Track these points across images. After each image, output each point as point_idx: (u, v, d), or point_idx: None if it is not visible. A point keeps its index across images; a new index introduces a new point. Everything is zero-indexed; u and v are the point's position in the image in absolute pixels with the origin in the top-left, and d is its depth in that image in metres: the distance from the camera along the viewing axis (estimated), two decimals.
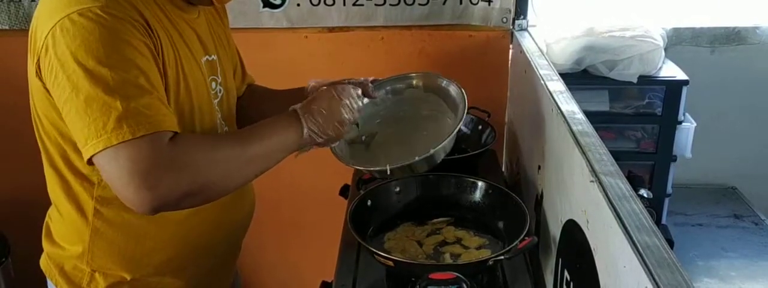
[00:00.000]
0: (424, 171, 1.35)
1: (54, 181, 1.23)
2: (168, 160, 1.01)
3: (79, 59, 1.00)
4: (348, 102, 1.23)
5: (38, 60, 1.07)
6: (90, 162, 1.03)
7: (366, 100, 1.32)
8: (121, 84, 1.01)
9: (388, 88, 1.44)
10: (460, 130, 1.34)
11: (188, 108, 1.18)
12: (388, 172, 1.29)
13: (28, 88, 1.18)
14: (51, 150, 1.20)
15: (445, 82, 1.43)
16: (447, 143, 1.31)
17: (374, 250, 1.31)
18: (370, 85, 1.34)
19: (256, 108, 1.47)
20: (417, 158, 1.29)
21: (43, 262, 1.33)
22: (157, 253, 1.28)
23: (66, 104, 1.03)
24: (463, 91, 1.38)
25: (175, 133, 1.04)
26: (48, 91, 1.09)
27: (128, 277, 1.26)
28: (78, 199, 1.22)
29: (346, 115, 1.22)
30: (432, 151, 1.28)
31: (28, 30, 1.14)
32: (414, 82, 1.46)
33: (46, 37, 1.03)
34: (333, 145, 1.30)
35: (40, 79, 1.09)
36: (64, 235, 1.28)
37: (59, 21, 1.02)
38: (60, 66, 1.02)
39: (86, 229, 1.23)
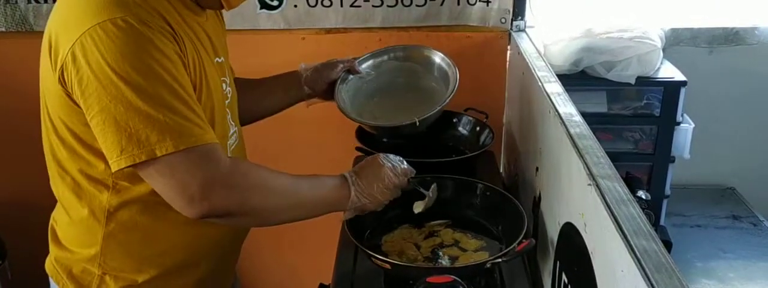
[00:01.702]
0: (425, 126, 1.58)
1: (64, 185, 1.23)
2: (224, 177, 1.07)
3: (115, 69, 1.01)
4: (390, 168, 1.31)
5: (63, 67, 1.06)
6: (120, 169, 1.05)
7: (352, 76, 1.62)
8: (160, 94, 1.02)
9: (374, 60, 1.68)
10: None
11: (210, 110, 1.20)
12: (417, 123, 1.53)
13: (40, 91, 1.18)
14: (63, 154, 1.19)
15: (425, 50, 1.68)
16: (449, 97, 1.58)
17: (371, 253, 1.31)
18: (355, 62, 1.61)
19: (249, 96, 1.49)
20: (437, 108, 1.57)
21: (49, 266, 1.33)
22: (169, 254, 1.28)
23: (100, 113, 1.03)
24: (448, 57, 1.65)
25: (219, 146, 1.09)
26: (72, 99, 1.09)
27: (139, 280, 1.27)
28: (91, 203, 1.22)
29: (391, 180, 1.30)
30: (446, 100, 1.56)
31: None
32: (397, 53, 1.71)
33: (74, 45, 1.03)
34: (342, 105, 1.58)
35: (64, 86, 1.08)
36: (74, 238, 1.28)
37: (89, 29, 1.02)
38: (93, 76, 1.02)
39: (99, 232, 1.23)
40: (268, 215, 1.18)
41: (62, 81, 1.08)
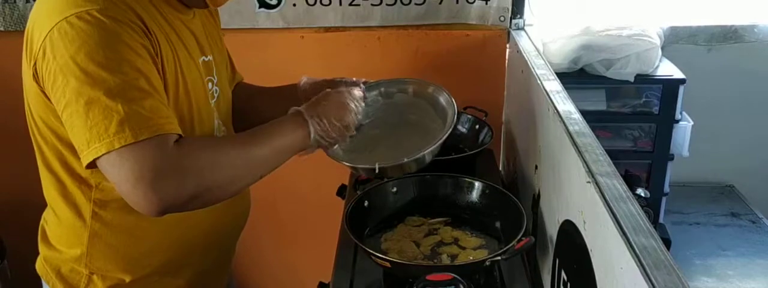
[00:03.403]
0: (412, 171, 1.37)
1: (50, 183, 1.23)
2: (173, 164, 1.02)
3: (78, 63, 1.00)
4: (353, 105, 1.25)
5: (35, 63, 1.06)
6: (91, 165, 1.03)
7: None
8: (122, 87, 1.00)
9: (380, 90, 1.44)
10: (453, 132, 1.36)
11: (187, 109, 1.18)
12: (377, 171, 1.30)
13: (24, 90, 1.17)
14: (47, 153, 1.19)
15: (434, 89, 1.44)
16: (436, 147, 1.33)
17: (371, 251, 1.31)
18: (362, 85, 1.38)
19: (248, 105, 1.47)
20: (405, 160, 1.31)
21: (39, 265, 1.33)
22: (155, 254, 1.28)
23: (66, 108, 1.02)
24: (452, 98, 1.40)
25: (180, 136, 1.05)
26: (45, 94, 1.08)
27: (127, 279, 1.26)
28: (75, 202, 1.22)
29: (351, 118, 1.24)
30: (424, 152, 1.30)
31: (22, 31, 1.13)
32: (405, 87, 1.47)
33: (44, 40, 1.03)
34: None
35: (38, 82, 1.08)
36: (61, 238, 1.28)
37: (57, 24, 1.02)
38: (59, 70, 1.01)
39: (84, 231, 1.23)
40: (233, 185, 1.11)
41: (36, 77, 1.08)
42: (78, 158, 1.11)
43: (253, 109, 1.49)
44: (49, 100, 1.08)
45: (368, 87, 1.41)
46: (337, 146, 1.34)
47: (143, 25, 1.08)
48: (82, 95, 1.00)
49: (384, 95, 1.46)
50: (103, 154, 1.00)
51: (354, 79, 1.41)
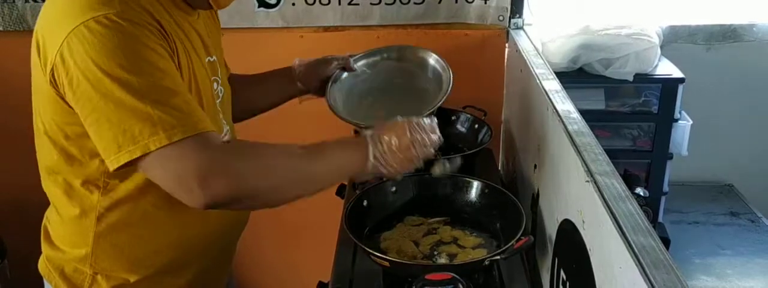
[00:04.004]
0: None
1: (55, 185, 1.23)
2: (216, 164, 1.03)
3: (102, 67, 1.00)
4: (420, 138, 1.19)
5: (53, 69, 1.05)
6: (119, 168, 1.03)
7: (346, 74, 1.57)
8: (149, 88, 1.01)
9: (367, 60, 1.62)
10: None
11: None
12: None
13: (32, 91, 1.17)
14: (54, 155, 1.19)
15: (422, 52, 1.61)
16: (435, 105, 1.48)
17: (370, 250, 1.31)
18: (350, 60, 1.55)
19: (240, 96, 1.48)
20: (427, 112, 1.44)
21: (42, 265, 1.33)
22: (159, 254, 1.28)
23: (92, 113, 1.03)
24: (442, 59, 1.57)
25: (214, 133, 1.06)
26: (63, 99, 1.08)
27: (131, 279, 1.27)
28: (82, 203, 1.22)
29: (416, 152, 1.18)
30: (437, 103, 1.47)
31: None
32: (392, 54, 1.65)
33: (61, 45, 1.02)
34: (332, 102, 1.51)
35: (55, 88, 1.08)
36: (66, 238, 1.28)
37: (74, 29, 1.01)
38: (82, 75, 1.01)
39: (90, 232, 1.23)
40: (279, 194, 1.11)
41: (53, 83, 1.07)
42: (91, 159, 1.14)
43: (250, 97, 1.51)
44: (66, 104, 1.08)
45: (355, 59, 1.59)
46: (342, 107, 1.52)
47: (160, 26, 1.09)
48: (110, 99, 1.00)
49: (370, 65, 1.64)
50: (138, 157, 1.01)
51: (343, 55, 1.57)
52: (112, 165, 1.03)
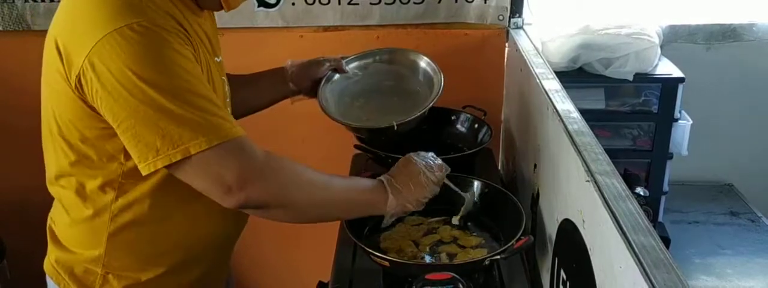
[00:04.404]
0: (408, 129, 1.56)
1: (66, 186, 1.23)
2: (259, 168, 1.09)
3: (138, 74, 1.02)
4: (429, 180, 1.31)
5: (80, 75, 1.06)
6: (161, 169, 1.06)
7: (337, 75, 1.62)
8: (185, 93, 1.04)
9: (359, 62, 1.66)
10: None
11: None
12: (395, 127, 1.50)
13: (43, 94, 1.18)
14: (69, 157, 1.19)
15: (412, 54, 1.65)
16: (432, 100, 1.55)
17: (370, 250, 1.31)
18: (342, 62, 1.59)
19: (235, 96, 1.48)
20: (417, 114, 1.53)
21: (48, 266, 1.33)
22: (170, 253, 1.29)
23: (128, 118, 1.04)
24: (433, 62, 1.62)
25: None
26: (87, 104, 1.09)
27: (142, 278, 1.27)
28: (96, 205, 1.22)
29: (427, 193, 1.31)
30: (427, 105, 1.52)
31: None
32: (383, 56, 1.68)
33: (90, 53, 1.03)
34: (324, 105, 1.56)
35: (80, 92, 1.08)
36: (75, 239, 1.28)
37: (105, 36, 1.02)
38: (117, 82, 1.02)
39: (103, 233, 1.23)
40: (304, 209, 1.18)
41: (79, 88, 1.08)
42: (111, 163, 1.16)
43: (239, 99, 1.51)
44: (92, 110, 1.09)
45: (347, 61, 1.61)
46: (334, 110, 1.58)
47: (184, 30, 1.11)
48: (147, 105, 1.02)
49: (362, 67, 1.66)
50: (178, 161, 1.04)
51: (335, 56, 1.60)
52: (147, 168, 1.06)
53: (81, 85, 1.07)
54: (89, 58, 1.03)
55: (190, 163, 1.05)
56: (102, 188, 1.20)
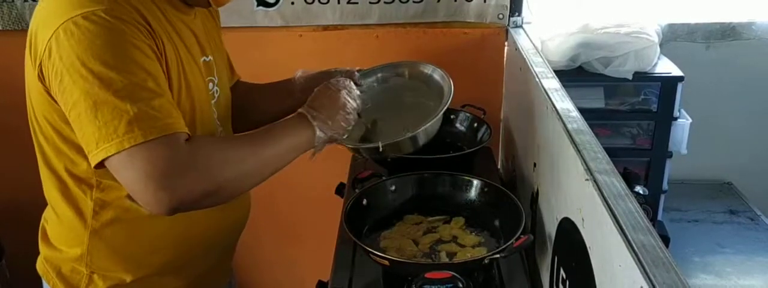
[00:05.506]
0: (410, 151, 1.41)
1: (51, 183, 1.23)
2: (184, 162, 1.03)
3: (86, 63, 1.00)
4: (346, 92, 1.29)
5: (41, 64, 1.06)
6: (99, 166, 1.03)
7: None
8: (130, 87, 1.01)
9: (376, 76, 1.52)
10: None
11: (189, 109, 1.19)
12: (380, 149, 1.36)
13: (26, 91, 1.17)
14: (49, 152, 1.19)
15: (430, 69, 1.51)
16: (430, 125, 1.38)
17: (370, 249, 1.31)
18: (356, 74, 1.44)
19: (245, 103, 1.48)
20: (405, 135, 1.37)
21: (40, 265, 1.33)
22: (156, 254, 1.28)
23: (74, 109, 1.02)
24: (448, 76, 1.47)
25: (188, 135, 1.05)
26: (50, 94, 1.08)
27: (128, 279, 1.26)
28: (76, 202, 1.22)
29: (349, 104, 1.28)
30: (419, 130, 1.36)
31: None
32: (400, 70, 1.54)
33: (49, 40, 1.03)
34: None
35: (43, 82, 1.08)
36: (62, 237, 1.28)
37: (62, 24, 1.02)
38: (66, 70, 1.01)
39: (85, 231, 1.23)
40: (242, 182, 1.12)
41: (41, 77, 1.08)
42: (82, 157, 1.13)
43: (252, 107, 1.49)
44: (53, 100, 1.08)
45: (363, 74, 1.48)
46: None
47: (148, 25, 1.08)
48: (90, 95, 1.00)
49: (380, 81, 1.53)
50: (112, 154, 1.00)
51: (348, 68, 1.46)
52: (92, 161, 1.03)
53: (42, 73, 1.07)
54: (48, 46, 1.03)
55: (121, 158, 1.00)
56: (80, 186, 1.20)
